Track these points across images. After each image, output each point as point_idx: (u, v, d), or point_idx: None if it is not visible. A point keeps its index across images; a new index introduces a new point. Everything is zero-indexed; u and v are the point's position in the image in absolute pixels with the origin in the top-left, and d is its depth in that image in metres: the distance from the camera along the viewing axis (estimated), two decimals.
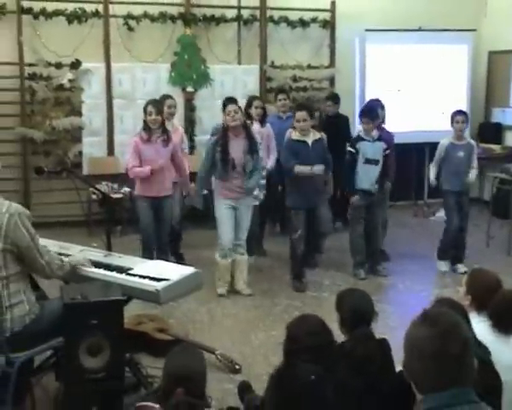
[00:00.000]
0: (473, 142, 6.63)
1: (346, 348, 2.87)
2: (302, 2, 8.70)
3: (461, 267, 6.32)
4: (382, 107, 6.76)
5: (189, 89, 8.33)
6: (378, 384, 2.71)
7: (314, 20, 8.87)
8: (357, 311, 3.03)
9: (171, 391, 2.30)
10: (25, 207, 3.46)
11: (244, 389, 3.21)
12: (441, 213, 8.28)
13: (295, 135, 5.91)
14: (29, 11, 7.73)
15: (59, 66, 7.84)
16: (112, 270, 3.65)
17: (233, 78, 8.56)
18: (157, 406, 2.29)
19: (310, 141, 5.82)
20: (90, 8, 7.91)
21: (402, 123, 8.68)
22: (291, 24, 8.77)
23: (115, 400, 3.16)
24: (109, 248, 4.06)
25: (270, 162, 6.72)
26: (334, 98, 8.05)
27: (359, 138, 6.26)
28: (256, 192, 6.15)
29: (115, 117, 8.14)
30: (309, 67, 8.90)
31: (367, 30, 8.77)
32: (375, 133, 6.22)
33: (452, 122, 6.31)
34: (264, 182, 6.44)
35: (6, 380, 3.24)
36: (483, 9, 9.47)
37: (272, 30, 8.74)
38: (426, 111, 9.01)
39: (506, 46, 9.06)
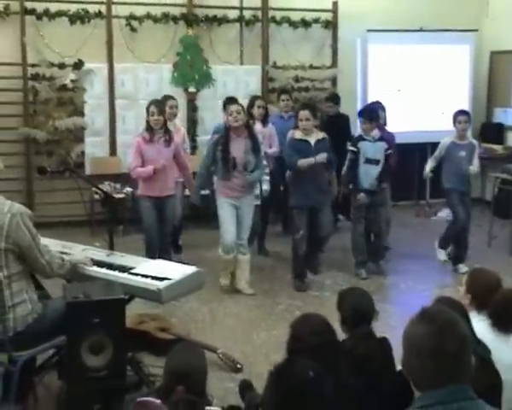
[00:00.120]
0: (475, 141, 6.63)
1: (347, 347, 2.88)
2: (304, 3, 8.71)
3: (462, 267, 6.32)
4: (383, 108, 6.79)
5: (192, 89, 8.36)
6: (379, 383, 2.72)
7: (316, 20, 8.88)
8: (357, 310, 3.05)
9: (171, 389, 2.32)
10: (27, 207, 3.49)
11: (245, 387, 3.23)
12: (443, 213, 8.32)
13: (298, 134, 5.92)
14: (32, 12, 7.76)
15: (62, 66, 7.87)
16: (114, 269, 3.67)
17: (235, 78, 8.58)
18: (158, 401, 2.30)
19: (312, 141, 5.83)
20: (92, 8, 7.94)
21: (404, 123, 8.70)
22: (293, 24, 8.78)
23: (117, 398, 3.18)
24: (112, 247, 4.08)
25: (273, 149, 6.78)
26: (334, 99, 8.07)
27: (360, 138, 6.28)
28: (265, 187, 6.26)
29: (118, 117, 8.16)
30: (311, 67, 8.91)
31: (369, 30, 8.79)
32: (375, 133, 6.23)
33: (454, 122, 6.31)
34: (268, 178, 6.42)
35: (9, 379, 3.26)
36: (485, 10, 9.47)
37: (274, 30, 8.76)
38: (428, 111, 9.03)
39: (508, 46, 9.06)
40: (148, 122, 5.82)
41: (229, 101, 6.15)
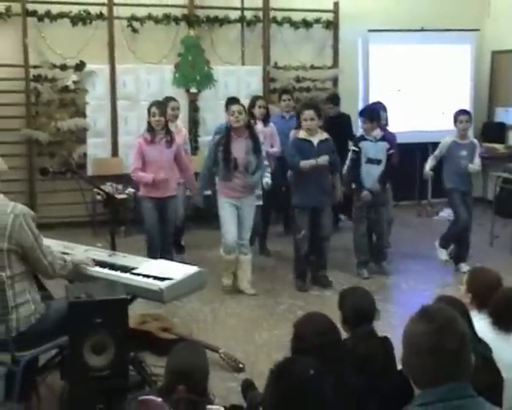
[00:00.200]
0: (475, 141, 6.64)
1: (348, 346, 2.88)
2: (305, 3, 8.72)
3: (464, 267, 6.31)
4: (384, 108, 6.80)
5: (193, 90, 8.37)
6: (380, 383, 2.73)
7: (317, 20, 8.90)
8: (359, 309, 3.06)
9: (173, 388, 2.33)
10: (30, 208, 3.50)
11: (247, 387, 3.24)
12: (445, 213, 8.32)
13: (301, 134, 5.92)
14: (34, 14, 7.79)
15: (63, 67, 7.90)
16: (116, 269, 3.68)
17: (236, 79, 8.59)
18: (159, 399, 2.31)
19: (315, 141, 5.82)
20: (94, 10, 7.96)
21: (406, 123, 8.71)
22: (294, 25, 8.80)
23: (120, 398, 3.19)
24: (114, 248, 4.09)
25: (274, 149, 6.79)
26: (334, 99, 8.06)
27: (362, 138, 6.29)
28: (266, 179, 6.24)
29: (119, 118, 8.18)
30: (312, 67, 8.92)
31: (370, 30, 8.80)
32: (377, 133, 6.24)
33: (455, 122, 6.32)
34: (269, 180, 6.40)
35: (12, 379, 3.28)
36: (486, 9, 9.48)
37: (275, 31, 8.77)
38: (429, 111, 9.04)
39: (509, 46, 9.06)
40: (149, 123, 5.83)
41: (231, 101, 6.16)
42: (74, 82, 7.93)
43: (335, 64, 9.09)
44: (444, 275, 6.38)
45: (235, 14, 8.61)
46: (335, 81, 9.10)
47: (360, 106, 8.57)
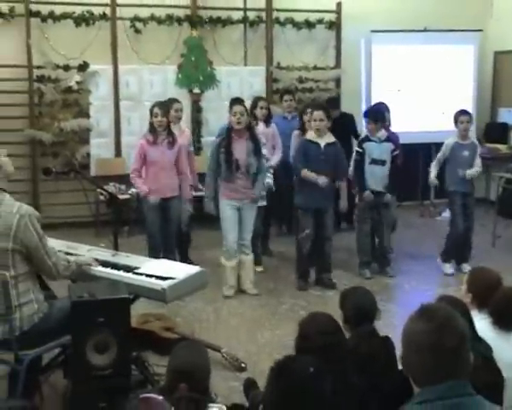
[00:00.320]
0: (476, 141, 6.65)
1: (350, 346, 2.89)
2: (308, 4, 8.73)
3: (466, 267, 6.31)
4: (387, 109, 6.80)
5: (196, 90, 8.39)
6: (381, 382, 2.73)
7: (320, 21, 8.90)
8: (360, 308, 3.07)
9: (174, 387, 2.34)
10: (33, 208, 3.51)
11: (249, 386, 3.25)
12: (447, 214, 8.28)
13: (309, 135, 5.93)
14: (37, 14, 7.81)
15: (67, 68, 7.92)
16: (119, 269, 3.71)
17: (239, 79, 8.60)
18: (160, 397, 2.33)
19: (323, 143, 5.82)
20: (97, 10, 7.98)
21: (408, 123, 8.70)
22: (297, 25, 8.81)
23: (122, 397, 3.21)
24: (116, 248, 4.11)
25: (274, 159, 6.75)
26: (332, 102, 7.99)
27: (366, 139, 6.29)
28: (268, 180, 6.17)
29: (122, 119, 8.21)
30: (315, 68, 8.93)
31: (373, 31, 8.79)
32: (382, 134, 6.24)
33: (456, 122, 6.31)
34: (271, 181, 6.41)
35: (15, 378, 3.30)
36: (489, 10, 9.48)
37: (278, 31, 8.78)
38: (432, 111, 9.03)
39: None
40: (151, 124, 5.85)
41: (235, 101, 6.14)
42: (77, 82, 7.96)
43: (338, 65, 9.09)
44: (446, 276, 6.38)
45: (237, 15, 8.62)
46: (338, 82, 9.11)
47: (363, 106, 8.57)
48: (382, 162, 6.20)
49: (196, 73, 8.38)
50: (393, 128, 6.86)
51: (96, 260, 3.79)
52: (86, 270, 3.67)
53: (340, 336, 2.65)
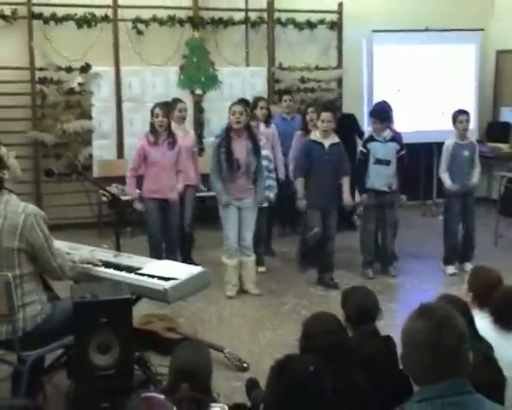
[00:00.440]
0: (475, 141, 6.65)
1: (352, 345, 2.90)
2: (309, 4, 8.73)
3: (469, 266, 6.30)
4: (390, 108, 6.79)
5: (198, 91, 8.40)
6: (383, 381, 2.74)
7: (321, 21, 8.91)
8: (362, 308, 3.08)
9: (176, 387, 2.35)
10: None
11: (251, 386, 3.25)
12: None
13: (314, 135, 5.96)
14: (39, 16, 7.83)
15: (69, 70, 7.94)
16: (121, 269, 3.71)
17: (241, 80, 8.61)
18: (162, 396, 2.34)
19: (327, 144, 5.85)
20: (99, 12, 8.00)
21: (410, 123, 8.69)
22: (298, 26, 8.82)
23: (125, 397, 3.22)
24: (119, 249, 4.12)
25: (281, 171, 6.76)
26: (333, 105, 7.96)
27: (371, 139, 6.29)
28: (267, 193, 6.12)
29: (125, 120, 8.22)
30: (317, 68, 8.94)
31: (374, 31, 8.79)
32: (387, 134, 6.24)
33: (455, 122, 6.28)
34: (272, 195, 6.33)
35: (18, 378, 3.31)
36: (490, 9, 9.47)
37: (280, 32, 8.79)
38: (434, 111, 9.01)
39: None
40: (152, 124, 5.86)
41: (239, 102, 6.10)
42: (80, 84, 7.98)
43: (340, 65, 9.10)
44: (448, 275, 6.38)
45: (239, 16, 8.63)
46: (340, 82, 9.11)
47: (365, 106, 8.58)
48: (387, 162, 6.20)
49: (198, 74, 8.39)
50: (396, 127, 6.85)
51: (99, 260, 3.80)
52: (88, 270, 3.69)
53: (344, 336, 2.67)
